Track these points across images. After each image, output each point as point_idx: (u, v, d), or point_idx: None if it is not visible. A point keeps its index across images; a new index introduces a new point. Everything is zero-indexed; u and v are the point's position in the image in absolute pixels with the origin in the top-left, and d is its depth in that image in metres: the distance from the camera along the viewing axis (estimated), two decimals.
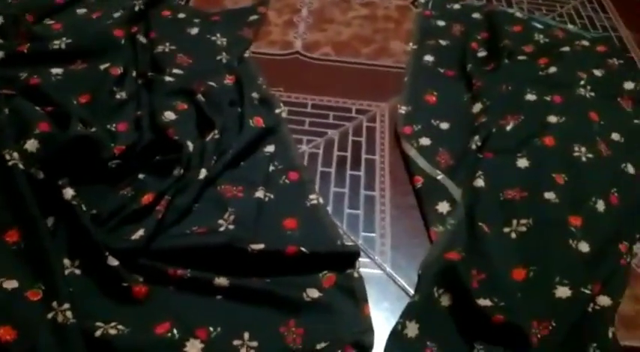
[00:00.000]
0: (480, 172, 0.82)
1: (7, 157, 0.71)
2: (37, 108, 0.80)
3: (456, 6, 1.22)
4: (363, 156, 0.89)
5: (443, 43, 1.11)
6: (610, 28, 1.21)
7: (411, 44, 1.10)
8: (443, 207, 0.80)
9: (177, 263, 0.69)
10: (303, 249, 0.69)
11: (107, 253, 0.67)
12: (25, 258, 0.67)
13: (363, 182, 0.85)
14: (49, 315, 0.62)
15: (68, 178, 0.74)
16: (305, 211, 0.78)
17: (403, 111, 0.95)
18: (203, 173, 0.77)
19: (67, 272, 0.68)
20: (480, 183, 0.81)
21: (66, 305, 0.63)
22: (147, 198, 0.73)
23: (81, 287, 0.67)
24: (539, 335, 0.64)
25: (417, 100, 0.97)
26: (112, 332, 0.63)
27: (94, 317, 0.64)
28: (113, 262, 0.66)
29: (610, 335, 0.66)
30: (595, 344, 0.64)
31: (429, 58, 1.06)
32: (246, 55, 1.03)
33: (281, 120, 0.91)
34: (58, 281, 0.65)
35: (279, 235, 0.75)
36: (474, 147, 0.87)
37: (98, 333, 0.62)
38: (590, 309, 0.68)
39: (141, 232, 0.69)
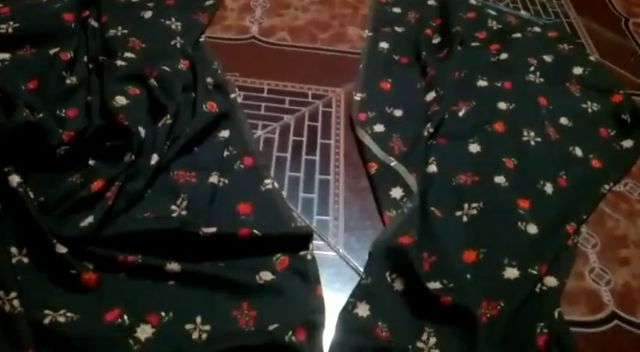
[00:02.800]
0: (432, 158, 0.84)
1: None
2: None
3: None
4: (319, 140, 0.90)
5: (398, 29, 1.12)
6: (562, 14, 1.24)
7: (366, 31, 1.11)
8: (396, 192, 0.82)
9: (127, 249, 0.68)
10: (255, 231, 0.70)
11: (55, 240, 0.65)
12: None
13: (318, 166, 0.86)
14: None
15: (15, 166, 0.72)
16: (259, 196, 0.79)
17: (358, 98, 0.95)
18: (155, 158, 0.77)
19: (14, 260, 0.67)
20: (432, 168, 0.82)
21: (13, 295, 0.62)
22: (97, 185, 0.72)
23: (29, 276, 0.66)
24: (488, 315, 0.66)
25: (371, 87, 0.98)
26: (61, 319, 0.62)
27: (42, 305, 0.63)
28: (61, 249, 0.65)
29: (556, 315, 0.68)
30: (542, 324, 0.66)
31: (384, 45, 1.07)
32: (202, 39, 1.02)
33: (236, 105, 0.91)
34: (5, 270, 0.64)
35: (233, 219, 0.75)
36: (426, 134, 0.88)
37: (47, 321, 0.62)
38: (537, 290, 0.71)
39: (90, 219, 0.68)
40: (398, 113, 0.94)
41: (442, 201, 0.79)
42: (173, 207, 0.74)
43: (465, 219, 0.77)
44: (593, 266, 0.77)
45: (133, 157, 0.76)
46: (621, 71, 1.10)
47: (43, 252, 0.67)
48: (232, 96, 0.91)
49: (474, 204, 0.79)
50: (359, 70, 1.01)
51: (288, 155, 0.87)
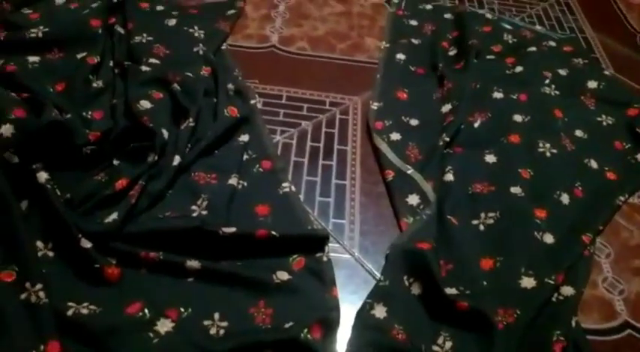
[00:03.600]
0: (449, 167, 0.85)
1: None
2: (13, 94, 0.81)
3: (428, 6, 1.25)
4: (336, 146, 0.91)
5: (415, 41, 1.14)
6: (577, 29, 1.25)
7: (383, 42, 1.13)
8: (413, 199, 0.83)
9: (149, 246, 0.70)
10: (273, 232, 0.71)
11: (80, 235, 0.68)
12: None
13: (334, 171, 0.87)
14: (23, 296, 0.64)
15: (43, 163, 0.75)
16: (277, 198, 0.80)
17: (375, 107, 0.97)
18: (177, 160, 0.79)
19: (40, 254, 0.69)
20: (449, 177, 0.84)
21: (39, 286, 0.64)
22: (120, 183, 0.75)
23: (54, 269, 0.68)
24: (504, 322, 0.67)
25: (388, 97, 1.00)
26: (84, 311, 0.64)
27: (66, 297, 0.65)
28: (86, 244, 0.67)
29: (573, 323, 0.69)
30: (559, 332, 0.67)
31: (400, 56, 1.09)
32: (223, 47, 1.05)
33: (256, 111, 0.93)
34: (31, 263, 0.66)
35: (251, 220, 0.76)
36: (442, 143, 0.90)
37: (70, 313, 0.64)
38: (554, 299, 0.72)
39: (114, 216, 0.70)
40: (414, 122, 0.95)
41: (459, 210, 0.80)
42: (193, 207, 0.76)
43: (482, 227, 0.79)
44: (606, 276, 0.78)
45: (156, 158, 0.78)
46: (636, 86, 1.10)
47: (68, 247, 0.69)
48: (252, 102, 0.94)
49: (491, 213, 0.80)
50: (376, 80, 1.03)
51: (306, 160, 0.88)
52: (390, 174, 0.86)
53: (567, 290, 0.72)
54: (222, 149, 0.85)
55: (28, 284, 0.64)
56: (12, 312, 0.62)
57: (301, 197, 0.82)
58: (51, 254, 0.70)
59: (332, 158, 0.89)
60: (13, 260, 0.67)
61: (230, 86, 0.94)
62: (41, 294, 0.63)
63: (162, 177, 0.77)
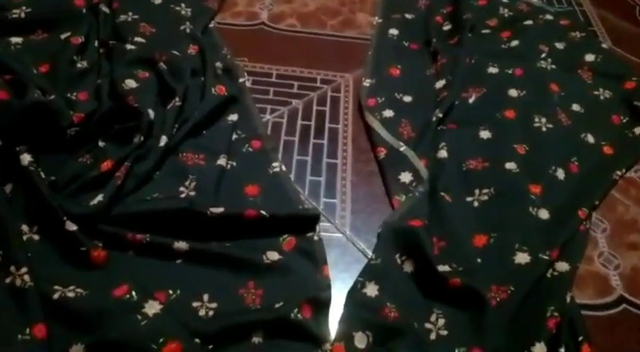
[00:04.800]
0: (442, 143, 0.84)
1: None
2: None
3: None
4: (327, 125, 0.90)
5: (408, 16, 1.11)
6: (574, 3, 1.22)
7: (376, 18, 1.10)
8: (405, 176, 0.82)
9: (136, 228, 0.69)
10: (263, 212, 0.70)
11: (65, 218, 0.66)
12: None
13: (325, 150, 0.86)
14: (7, 280, 0.63)
15: (26, 145, 0.73)
16: (267, 178, 0.79)
17: (367, 84, 0.95)
18: (164, 140, 0.77)
19: (25, 237, 0.68)
20: (443, 154, 0.82)
21: (23, 270, 0.63)
22: (106, 165, 0.73)
23: (39, 252, 0.67)
24: (498, 299, 0.66)
25: (380, 73, 0.98)
26: (70, 295, 0.63)
27: (52, 281, 0.64)
28: (71, 227, 0.66)
29: (568, 299, 0.68)
30: (552, 308, 0.66)
31: (393, 31, 1.07)
32: (211, 25, 1.02)
33: (244, 90, 0.91)
34: (16, 246, 0.65)
35: (241, 201, 0.75)
36: (435, 119, 0.88)
37: (56, 296, 0.62)
38: (549, 274, 0.71)
39: (100, 198, 0.69)
40: (407, 99, 0.94)
41: (452, 186, 0.78)
42: (181, 189, 0.75)
43: (475, 204, 0.77)
44: (602, 251, 0.77)
45: (142, 138, 0.76)
46: (634, 59, 1.08)
47: (53, 230, 0.67)
48: (241, 80, 0.92)
49: (485, 190, 0.78)
50: (368, 56, 1.01)
51: (296, 139, 0.87)
52: (383, 152, 0.84)
53: (562, 266, 0.71)
54: (210, 129, 0.84)
55: (12, 268, 0.63)
56: None
57: (292, 177, 0.81)
58: (36, 237, 0.69)
59: (323, 137, 0.88)
60: None
61: (218, 64, 0.92)
62: (26, 278, 0.62)
63: (149, 158, 0.76)
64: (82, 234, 0.66)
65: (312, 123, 0.90)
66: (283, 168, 0.81)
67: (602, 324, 0.69)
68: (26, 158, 0.71)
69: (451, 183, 0.79)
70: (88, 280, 0.65)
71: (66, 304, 0.62)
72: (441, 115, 0.88)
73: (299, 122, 0.90)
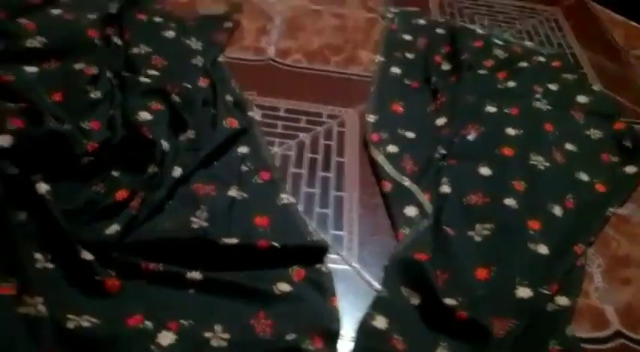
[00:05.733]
0: (445, 179, 0.87)
1: None
2: (10, 104, 0.81)
3: (421, 21, 1.28)
4: (334, 158, 0.92)
5: (409, 55, 1.16)
6: (565, 45, 1.29)
7: (378, 56, 1.15)
8: (410, 210, 0.84)
9: (150, 257, 0.70)
10: (274, 243, 0.72)
11: (80, 247, 0.67)
12: None
13: (333, 183, 0.88)
14: (22, 309, 0.63)
15: (42, 174, 0.75)
16: (276, 209, 0.81)
17: (371, 120, 0.99)
18: (178, 171, 0.79)
19: (39, 266, 0.68)
20: (445, 189, 0.85)
21: (38, 299, 0.63)
22: (121, 194, 0.74)
23: (53, 281, 0.67)
24: (501, 332, 0.68)
25: (384, 110, 1.01)
26: (85, 324, 0.63)
27: (66, 310, 0.64)
28: (87, 256, 0.67)
29: (568, 332, 0.70)
30: (554, 341, 0.68)
31: (395, 69, 1.11)
32: (220, 59, 1.06)
33: (254, 122, 0.94)
34: (30, 275, 0.66)
35: (251, 231, 0.77)
36: (437, 156, 0.91)
37: (71, 326, 0.63)
38: (549, 309, 0.73)
39: (115, 227, 0.70)
40: (410, 135, 0.97)
41: (455, 221, 0.81)
42: (193, 219, 0.76)
43: (477, 238, 0.80)
44: (597, 285, 0.79)
45: (156, 169, 0.78)
46: (623, 101, 1.14)
47: (67, 258, 0.68)
48: (250, 113, 0.94)
49: (487, 225, 0.81)
50: (371, 93, 1.05)
51: (305, 171, 0.89)
52: (388, 186, 0.87)
53: (562, 300, 0.74)
54: (221, 160, 0.86)
55: (27, 297, 0.64)
56: (10, 326, 0.62)
57: (300, 208, 0.83)
58: (50, 266, 0.69)
59: (330, 170, 0.90)
60: (11, 272, 0.66)
61: (229, 98, 0.95)
62: (40, 308, 0.63)
63: (162, 188, 0.77)
64: (96, 263, 0.67)
65: (320, 156, 0.93)
66: (291, 199, 0.83)
67: None
68: (42, 187, 0.72)
69: (453, 217, 0.82)
70: (102, 309, 0.65)
71: (81, 333, 0.63)
72: (443, 152, 0.92)
73: (307, 155, 0.92)
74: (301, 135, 0.95)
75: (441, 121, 0.99)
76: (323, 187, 0.87)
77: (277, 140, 0.93)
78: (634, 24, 1.40)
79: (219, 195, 0.80)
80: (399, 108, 1.02)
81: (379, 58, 1.14)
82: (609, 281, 0.80)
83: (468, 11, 1.35)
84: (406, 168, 0.90)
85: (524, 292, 0.73)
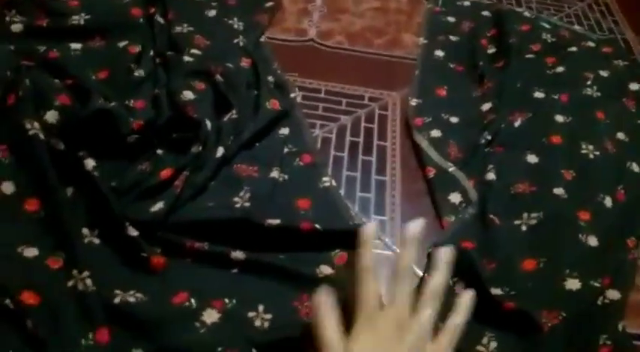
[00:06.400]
0: (490, 166, 0.84)
1: (28, 126, 0.72)
2: (56, 80, 0.81)
3: (466, 3, 1.24)
4: (375, 142, 0.91)
5: (453, 38, 1.13)
6: (616, 31, 1.23)
7: (421, 39, 1.12)
8: (455, 197, 0.82)
9: (195, 236, 0.70)
10: (317, 225, 0.71)
11: (127, 223, 0.68)
12: (45, 226, 0.69)
13: (374, 167, 0.87)
14: (70, 283, 0.64)
15: (88, 151, 0.75)
16: (318, 192, 0.80)
17: (414, 103, 0.96)
18: (220, 151, 0.79)
19: (86, 241, 0.69)
20: (491, 176, 0.83)
21: (85, 273, 0.64)
22: (165, 173, 0.75)
23: (100, 256, 0.68)
24: (550, 324, 0.66)
25: (427, 93, 0.99)
26: (131, 299, 0.64)
27: (112, 285, 0.65)
28: (133, 232, 0.68)
29: (620, 328, 0.68)
30: (605, 336, 0.66)
31: (439, 53, 1.08)
32: (262, 39, 1.05)
33: (295, 104, 0.92)
34: (78, 250, 0.67)
35: (293, 213, 0.76)
36: (483, 141, 0.89)
37: (117, 300, 0.64)
38: (600, 302, 0.71)
39: (160, 205, 0.71)
40: (454, 120, 0.94)
41: (501, 209, 0.79)
42: (236, 199, 0.76)
43: (524, 227, 0.78)
44: None
45: (200, 148, 0.78)
46: None
47: (114, 234, 0.69)
48: (292, 95, 0.93)
49: (534, 214, 0.78)
50: (414, 76, 1.03)
51: (345, 154, 0.88)
52: (432, 172, 0.85)
53: (613, 294, 0.71)
54: (262, 142, 0.85)
55: (75, 272, 0.65)
56: (60, 299, 0.63)
57: (341, 192, 0.82)
58: (97, 241, 0.70)
59: (372, 153, 0.89)
60: (59, 246, 0.67)
61: (270, 79, 0.94)
62: (88, 282, 0.64)
63: (206, 169, 0.77)
64: (143, 240, 0.68)
65: (361, 139, 0.91)
66: (333, 183, 0.82)
67: None
68: (90, 163, 0.73)
69: (499, 205, 0.80)
70: (148, 286, 0.66)
71: (127, 308, 0.63)
72: (489, 138, 0.89)
73: (347, 138, 0.91)
74: (342, 117, 0.94)
75: (486, 106, 0.96)
76: (364, 171, 0.86)
77: (318, 122, 0.92)
78: None
79: (261, 177, 0.80)
80: (442, 92, 1.00)
81: (422, 41, 1.11)
82: None
83: None
84: (450, 154, 0.88)
85: (573, 284, 0.70)
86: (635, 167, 0.89)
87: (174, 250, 0.69)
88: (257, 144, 0.85)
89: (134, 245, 0.67)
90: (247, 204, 0.76)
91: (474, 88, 1.02)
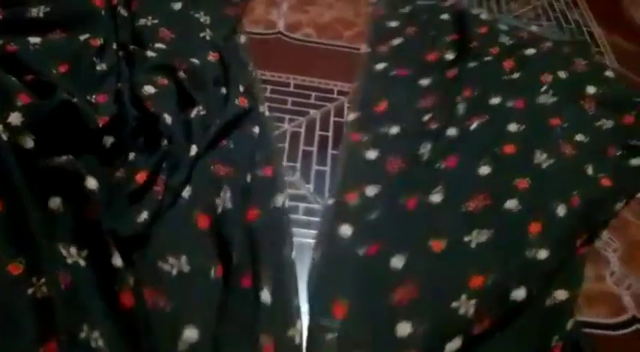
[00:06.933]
0: (439, 187, 0.81)
1: None
2: (14, 79, 0.77)
3: (407, 8, 1.18)
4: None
5: (396, 42, 1.08)
6: (582, 23, 1.25)
7: (364, 46, 1.07)
8: None
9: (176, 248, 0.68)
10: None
11: (114, 249, 0.64)
12: (7, 230, 0.66)
13: None
14: (29, 291, 0.61)
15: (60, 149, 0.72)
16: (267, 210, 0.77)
17: (352, 117, 0.92)
18: (194, 150, 0.77)
19: (71, 261, 0.65)
20: (437, 198, 0.80)
21: (42, 280, 0.61)
22: (140, 177, 0.72)
23: (81, 281, 0.64)
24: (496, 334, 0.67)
25: (366, 107, 0.94)
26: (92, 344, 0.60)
27: (81, 319, 0.61)
28: (117, 261, 0.64)
29: (569, 326, 0.69)
30: (557, 337, 0.67)
31: (380, 65, 1.03)
32: (242, 41, 1.02)
33: (264, 103, 0.91)
34: (40, 256, 0.63)
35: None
36: (422, 151, 0.86)
37: (82, 335, 0.60)
38: (548, 304, 0.71)
39: (145, 215, 0.68)
40: (394, 130, 0.90)
41: (447, 230, 0.76)
42: (217, 201, 0.74)
43: (473, 245, 0.75)
44: (613, 270, 0.79)
45: (166, 143, 0.76)
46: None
47: (100, 260, 0.65)
48: (261, 108, 0.90)
49: (484, 230, 0.76)
50: (353, 89, 0.98)
51: (315, 149, 0.88)
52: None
53: (561, 295, 0.71)
54: (235, 139, 0.83)
55: (34, 279, 0.62)
56: (19, 307, 0.60)
57: (310, 187, 0.82)
58: (82, 263, 0.66)
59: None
60: (21, 252, 0.64)
61: (240, 76, 0.92)
62: (44, 289, 0.61)
63: (181, 169, 0.75)
64: (125, 270, 0.63)
65: (330, 134, 0.91)
66: (286, 203, 0.78)
67: (614, 344, 0.71)
68: (92, 183, 0.68)
69: (447, 225, 0.76)
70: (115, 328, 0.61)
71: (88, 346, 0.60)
72: (429, 148, 0.86)
73: (317, 132, 0.90)
74: (311, 111, 0.93)
75: (427, 117, 0.93)
76: (333, 166, 0.85)
77: (287, 116, 0.91)
78: None
79: (238, 177, 0.78)
80: (382, 106, 0.94)
81: (365, 49, 1.06)
82: (626, 266, 0.79)
83: None
84: (390, 171, 0.84)
85: (518, 294, 0.69)
86: (590, 170, 0.88)
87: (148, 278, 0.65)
88: (230, 141, 0.82)
89: (114, 276, 0.63)
90: (229, 206, 0.74)
91: (417, 98, 0.97)
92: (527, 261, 0.73)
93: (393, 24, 1.13)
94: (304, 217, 0.79)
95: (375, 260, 0.73)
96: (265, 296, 0.66)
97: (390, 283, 0.70)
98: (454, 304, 0.68)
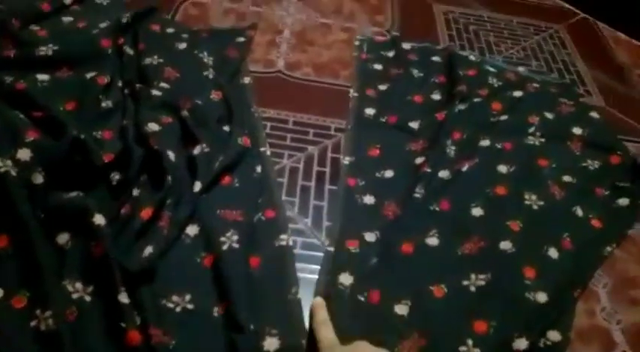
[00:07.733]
0: (434, 230, 0.82)
1: (0, 164, 0.72)
2: (22, 116, 0.81)
3: (391, 53, 1.20)
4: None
5: (382, 87, 1.10)
6: (570, 63, 1.30)
7: (352, 91, 1.09)
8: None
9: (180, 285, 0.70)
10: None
11: (122, 287, 0.65)
12: (14, 265, 0.68)
13: None
14: (32, 323, 0.63)
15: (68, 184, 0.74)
16: (271, 251, 0.78)
17: (347, 162, 0.94)
18: (198, 186, 0.79)
19: (76, 296, 0.66)
20: (433, 241, 0.81)
21: (48, 313, 0.63)
22: (145, 213, 0.73)
23: (86, 317, 0.65)
24: None
25: (360, 152, 0.96)
26: None
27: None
28: (124, 299, 0.65)
29: None
30: None
31: (370, 111, 1.04)
32: (247, 82, 1.05)
33: (265, 143, 0.94)
34: (45, 289, 0.65)
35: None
36: (417, 195, 0.87)
37: None
38: (541, 345, 0.72)
39: (150, 249, 0.70)
40: (389, 174, 0.92)
41: (446, 275, 0.77)
42: (223, 239, 0.76)
43: (472, 288, 0.76)
44: (604, 306, 0.80)
45: (170, 178, 0.78)
46: (627, 119, 1.15)
47: (107, 296, 0.66)
48: (262, 149, 0.92)
49: (482, 275, 0.77)
50: (346, 133, 1.00)
51: (313, 184, 0.90)
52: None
53: (554, 336, 0.73)
54: (240, 177, 0.86)
55: (38, 311, 0.64)
56: (21, 341, 0.62)
57: (308, 221, 0.84)
58: (88, 299, 0.67)
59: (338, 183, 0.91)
60: (24, 284, 0.66)
61: (244, 122, 0.95)
62: (50, 322, 0.62)
63: (185, 204, 0.77)
64: (130, 308, 0.65)
65: (327, 169, 0.93)
66: (290, 241, 0.80)
67: None
68: (100, 219, 0.70)
69: (444, 270, 0.78)
70: None
71: None
72: (422, 191, 0.87)
73: (315, 168, 0.93)
74: (310, 147, 0.96)
75: (419, 160, 0.94)
76: (331, 200, 0.88)
77: (286, 152, 0.94)
78: (637, 43, 1.42)
79: (246, 220, 0.80)
80: (376, 151, 0.96)
81: (353, 94, 1.08)
82: (616, 301, 0.81)
83: (474, 27, 1.36)
84: (388, 215, 0.85)
85: (521, 343, 0.70)
86: (579, 211, 0.89)
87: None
88: (235, 179, 0.85)
89: (120, 314, 0.64)
90: (236, 246, 0.75)
91: (408, 141, 0.99)
92: (527, 305, 0.75)
93: (378, 67, 1.15)
94: (303, 251, 0.80)
95: (378, 308, 0.73)
96: (269, 344, 0.67)
97: (398, 331, 0.71)
98: (462, 348, 0.70)
